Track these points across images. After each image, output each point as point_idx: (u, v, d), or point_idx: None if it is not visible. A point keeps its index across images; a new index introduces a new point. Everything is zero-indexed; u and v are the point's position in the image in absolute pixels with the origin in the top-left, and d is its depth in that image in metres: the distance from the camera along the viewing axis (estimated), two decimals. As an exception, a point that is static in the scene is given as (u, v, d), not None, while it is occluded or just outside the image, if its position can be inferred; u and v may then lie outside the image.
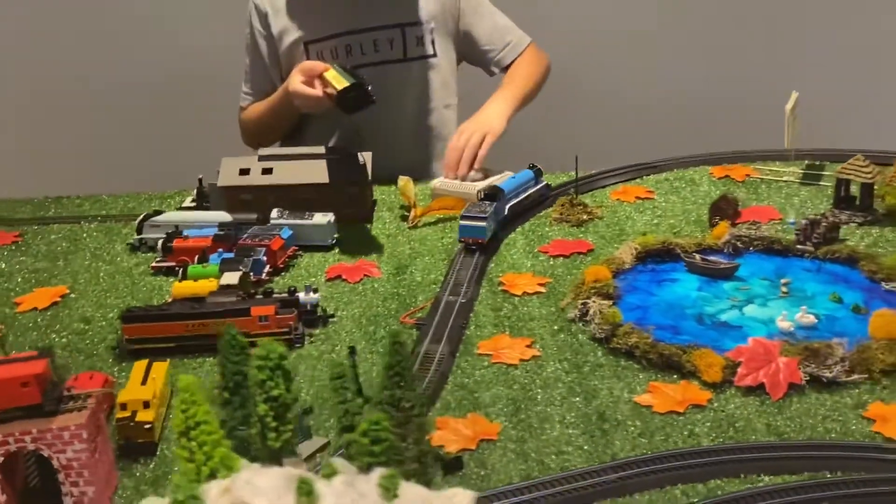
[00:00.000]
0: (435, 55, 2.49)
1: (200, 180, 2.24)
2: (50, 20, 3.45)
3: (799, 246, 1.86)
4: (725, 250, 1.88)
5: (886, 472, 1.25)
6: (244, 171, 2.18)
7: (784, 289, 1.72)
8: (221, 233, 1.97)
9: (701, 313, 1.67)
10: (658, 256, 1.87)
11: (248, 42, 2.52)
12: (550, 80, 2.65)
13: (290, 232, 2.00)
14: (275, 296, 1.69)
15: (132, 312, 1.65)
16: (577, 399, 1.45)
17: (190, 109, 3.40)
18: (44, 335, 1.74)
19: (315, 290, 1.72)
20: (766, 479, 1.24)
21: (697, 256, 1.83)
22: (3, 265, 2.07)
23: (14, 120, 3.55)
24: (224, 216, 2.06)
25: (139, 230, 2.09)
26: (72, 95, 3.51)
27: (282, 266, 1.95)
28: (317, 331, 1.69)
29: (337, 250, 2.04)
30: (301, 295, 1.70)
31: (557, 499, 1.22)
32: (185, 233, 2.01)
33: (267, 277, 1.88)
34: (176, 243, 1.97)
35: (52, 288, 1.93)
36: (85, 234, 2.21)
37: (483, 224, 1.93)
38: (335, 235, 2.06)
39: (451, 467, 1.28)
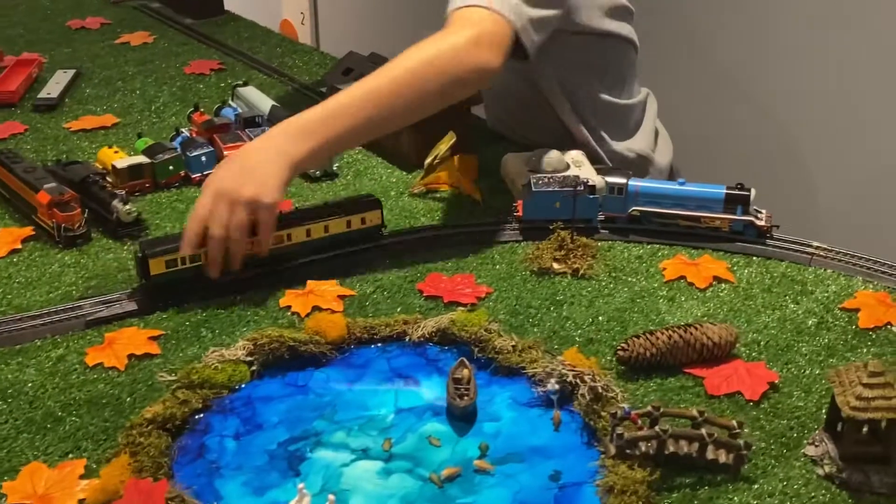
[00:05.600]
0: None
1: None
2: None
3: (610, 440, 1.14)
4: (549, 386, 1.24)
5: None
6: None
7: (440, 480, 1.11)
8: (224, 122, 1.88)
9: (307, 433, 1.17)
10: (458, 345, 1.32)
11: None
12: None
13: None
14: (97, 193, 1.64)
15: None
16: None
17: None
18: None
19: (126, 202, 1.61)
20: None
21: (465, 368, 1.25)
22: (165, 93, 2.24)
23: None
24: (266, 108, 1.94)
25: (232, 92, 2.09)
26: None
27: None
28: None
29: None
30: (115, 202, 1.61)
31: None
32: (224, 111, 1.96)
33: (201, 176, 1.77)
34: (195, 116, 1.95)
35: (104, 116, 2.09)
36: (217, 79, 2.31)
37: (540, 192, 1.59)
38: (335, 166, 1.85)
39: None
